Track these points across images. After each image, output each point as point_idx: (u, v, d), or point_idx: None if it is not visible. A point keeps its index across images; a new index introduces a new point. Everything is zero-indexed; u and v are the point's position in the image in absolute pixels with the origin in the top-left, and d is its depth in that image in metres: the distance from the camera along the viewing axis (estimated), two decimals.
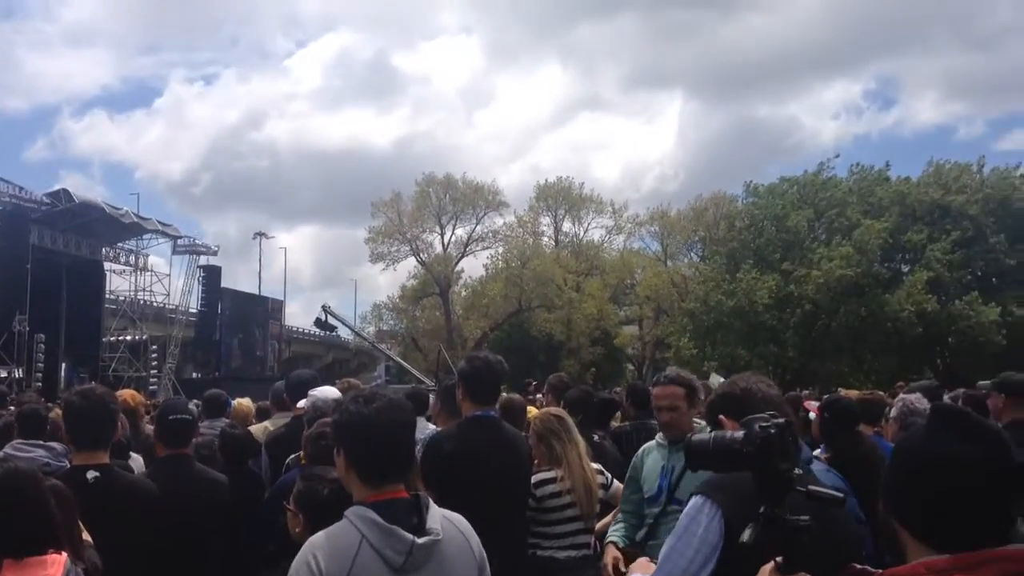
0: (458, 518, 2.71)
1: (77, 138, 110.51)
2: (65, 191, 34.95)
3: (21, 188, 34.19)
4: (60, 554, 2.91)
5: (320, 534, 2.51)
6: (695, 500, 2.70)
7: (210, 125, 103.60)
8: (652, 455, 4.56)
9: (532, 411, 6.62)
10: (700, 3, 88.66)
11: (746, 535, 2.16)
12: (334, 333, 52.13)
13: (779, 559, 2.14)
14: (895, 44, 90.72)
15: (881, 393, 8.48)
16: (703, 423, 4.04)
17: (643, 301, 54.01)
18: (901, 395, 6.43)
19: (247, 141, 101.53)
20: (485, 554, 2.72)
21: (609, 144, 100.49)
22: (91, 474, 3.85)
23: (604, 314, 51.39)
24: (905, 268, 43.31)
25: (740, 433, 2.25)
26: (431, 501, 2.60)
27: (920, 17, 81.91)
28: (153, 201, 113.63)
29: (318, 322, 48.16)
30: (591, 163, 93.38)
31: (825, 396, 7.00)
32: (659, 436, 4.60)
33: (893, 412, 5.71)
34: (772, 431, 2.19)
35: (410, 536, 2.45)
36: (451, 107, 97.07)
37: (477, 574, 2.69)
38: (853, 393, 8.21)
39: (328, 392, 5.24)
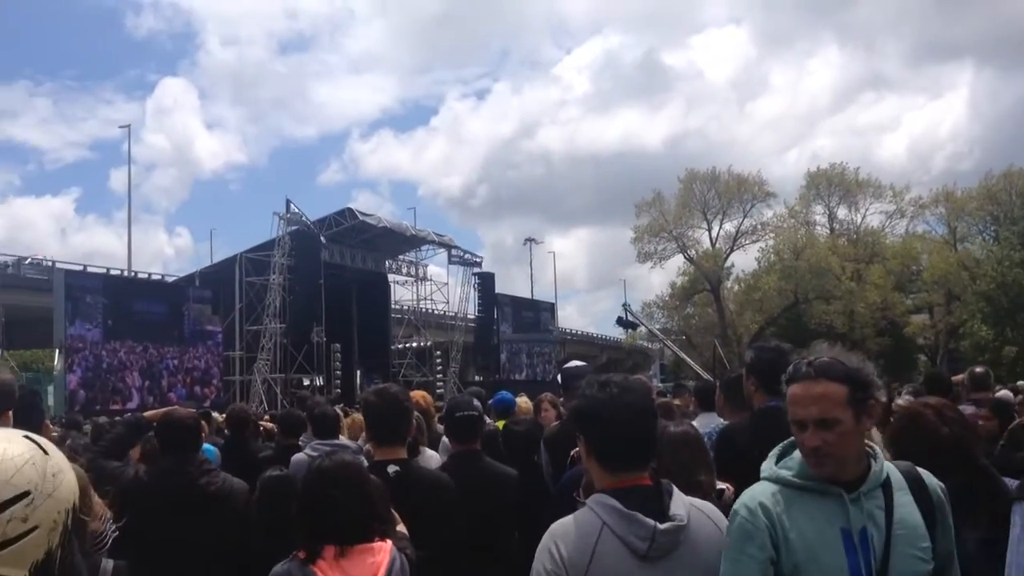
0: (709, 507, 2.61)
1: (364, 159, 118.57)
2: (349, 210, 37.04)
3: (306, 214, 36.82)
4: (386, 541, 3.04)
5: (561, 522, 2.48)
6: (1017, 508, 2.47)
7: (485, 138, 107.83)
8: (803, 512, 2.39)
9: None
10: None
11: None
12: (631, 331, 55.00)
13: None
14: None
15: None
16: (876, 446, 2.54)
17: (931, 287, 50.40)
18: None
19: (521, 150, 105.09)
20: None
21: (894, 124, 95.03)
22: (392, 468, 3.97)
23: (889, 303, 48.47)
24: None
25: None
26: (674, 488, 2.50)
27: None
28: (435, 214, 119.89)
29: (620, 320, 51.46)
30: (875, 146, 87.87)
31: None
32: (794, 474, 2.47)
33: None
34: None
35: (652, 522, 2.36)
36: (723, 100, 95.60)
37: None
38: None
39: None
